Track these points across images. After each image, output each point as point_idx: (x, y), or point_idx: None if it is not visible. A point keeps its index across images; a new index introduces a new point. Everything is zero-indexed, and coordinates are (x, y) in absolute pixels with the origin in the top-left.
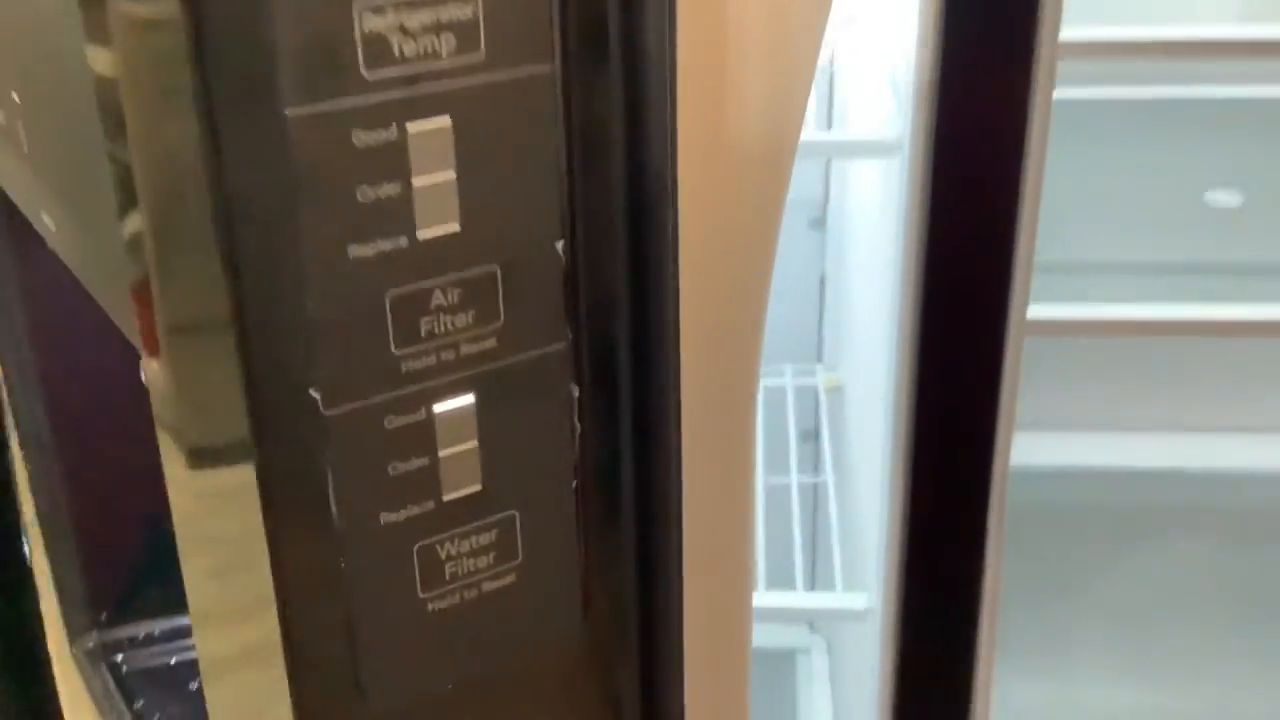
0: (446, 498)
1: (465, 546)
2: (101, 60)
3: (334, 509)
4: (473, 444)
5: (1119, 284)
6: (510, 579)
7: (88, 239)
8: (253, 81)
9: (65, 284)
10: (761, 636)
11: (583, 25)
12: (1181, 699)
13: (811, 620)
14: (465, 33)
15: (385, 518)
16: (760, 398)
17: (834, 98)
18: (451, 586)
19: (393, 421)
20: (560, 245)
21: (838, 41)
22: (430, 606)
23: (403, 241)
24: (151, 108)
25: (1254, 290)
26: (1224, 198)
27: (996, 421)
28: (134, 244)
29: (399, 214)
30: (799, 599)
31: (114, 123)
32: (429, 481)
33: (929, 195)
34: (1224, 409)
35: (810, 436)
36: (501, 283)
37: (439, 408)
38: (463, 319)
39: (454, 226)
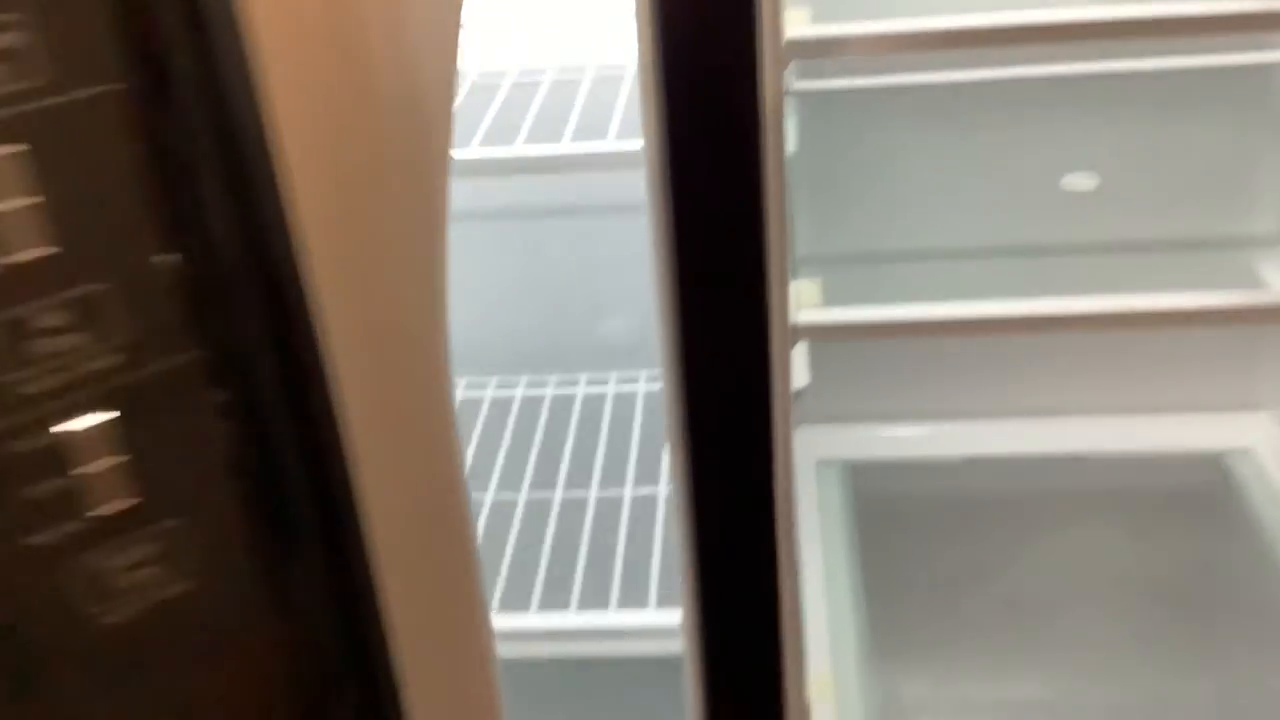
0: (97, 513)
1: (129, 558)
2: None
3: None
4: (117, 459)
5: (979, 268)
6: (189, 584)
7: None
8: None
9: None
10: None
11: (150, 44)
12: (1073, 690)
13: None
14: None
15: (33, 539)
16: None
17: None
18: (122, 600)
19: (14, 446)
20: (163, 260)
21: None
22: (103, 620)
23: None
24: None
25: (1112, 268)
26: (1081, 181)
27: (771, 419)
28: None
29: None
30: (610, 618)
31: None
32: (72, 500)
33: (671, 199)
34: (1112, 391)
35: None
36: (111, 300)
37: (65, 427)
38: (75, 339)
39: (51, 249)
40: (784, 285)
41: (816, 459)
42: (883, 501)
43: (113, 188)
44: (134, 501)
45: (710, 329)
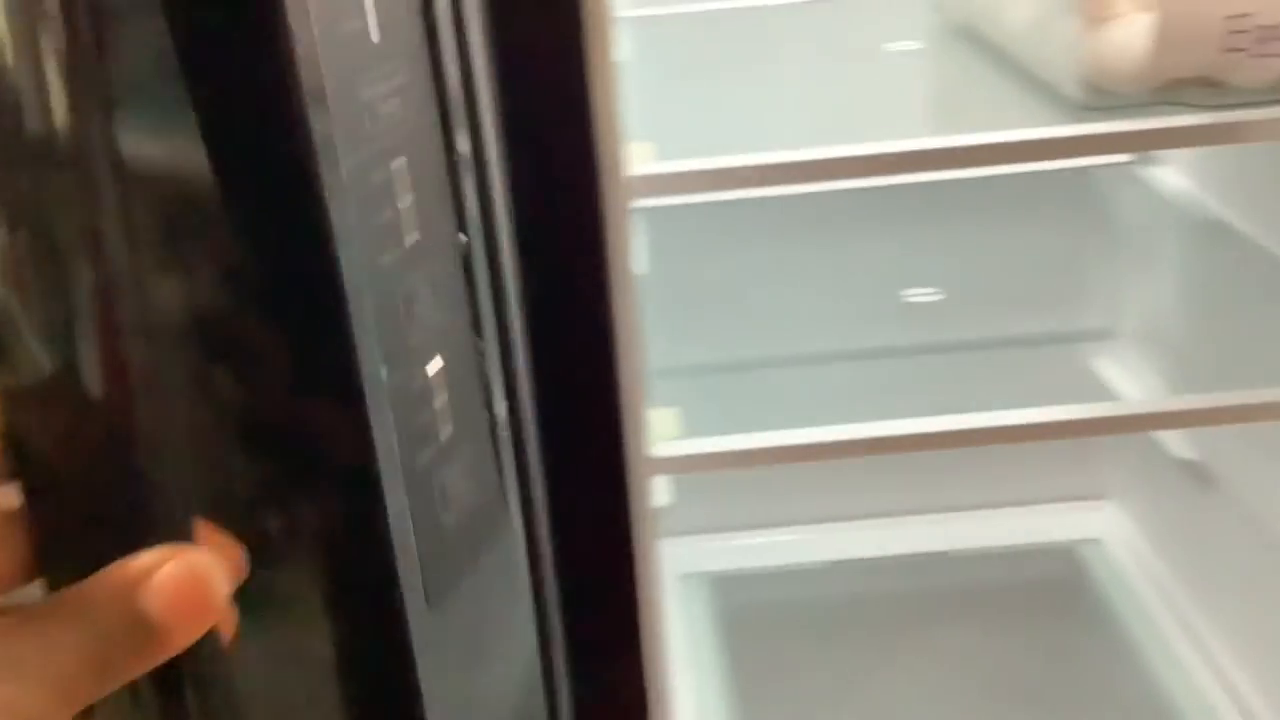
0: (441, 438)
1: (455, 475)
2: None
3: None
4: (446, 395)
5: (829, 372)
6: (478, 497)
7: None
8: None
9: None
10: None
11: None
12: None
13: None
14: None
15: (421, 456)
16: None
17: None
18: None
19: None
20: (460, 240)
21: None
22: (444, 529)
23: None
24: None
25: (956, 366)
26: (921, 294)
27: (632, 549)
28: None
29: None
30: None
31: None
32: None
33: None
34: (968, 488)
35: None
36: (441, 271)
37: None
38: (428, 302)
39: (419, 235)
40: (639, 416)
41: (680, 574)
42: (750, 612)
43: (438, 184)
44: (452, 430)
45: (565, 463)
